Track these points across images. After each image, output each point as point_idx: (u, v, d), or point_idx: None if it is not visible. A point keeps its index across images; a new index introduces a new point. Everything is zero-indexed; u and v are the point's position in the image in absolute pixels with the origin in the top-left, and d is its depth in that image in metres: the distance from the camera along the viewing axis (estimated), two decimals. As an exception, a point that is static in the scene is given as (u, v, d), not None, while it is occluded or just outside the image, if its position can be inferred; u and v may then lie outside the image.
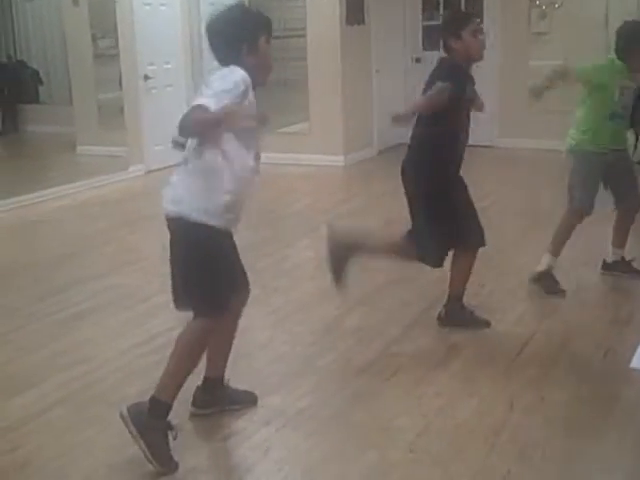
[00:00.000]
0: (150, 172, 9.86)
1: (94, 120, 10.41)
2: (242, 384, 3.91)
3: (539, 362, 4.31)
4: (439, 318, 4.82)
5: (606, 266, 5.63)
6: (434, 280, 5.07)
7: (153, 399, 3.42)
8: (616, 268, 5.59)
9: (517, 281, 5.49)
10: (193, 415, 3.78)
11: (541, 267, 5.33)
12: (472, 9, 10.77)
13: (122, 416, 3.37)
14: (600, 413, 3.74)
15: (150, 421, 3.37)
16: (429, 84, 4.41)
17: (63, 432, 3.73)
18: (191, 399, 3.78)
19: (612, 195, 5.40)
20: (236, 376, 3.88)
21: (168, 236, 3.51)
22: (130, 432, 3.35)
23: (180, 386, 3.48)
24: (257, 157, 3.50)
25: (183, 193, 3.39)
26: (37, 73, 12.31)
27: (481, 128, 10.58)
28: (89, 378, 4.25)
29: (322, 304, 5.23)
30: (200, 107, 3.08)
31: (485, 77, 10.25)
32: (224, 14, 3.42)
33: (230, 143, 3.31)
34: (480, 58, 4.48)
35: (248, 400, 3.89)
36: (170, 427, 3.41)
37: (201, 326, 3.47)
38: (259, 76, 3.37)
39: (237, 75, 3.20)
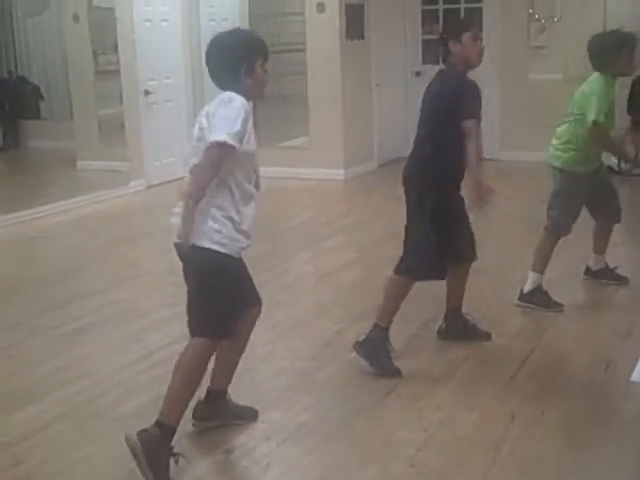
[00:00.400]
0: (151, 187, 9.88)
1: (95, 135, 10.42)
2: (242, 399, 3.91)
3: (539, 376, 4.31)
4: (439, 332, 4.82)
5: (590, 273, 5.68)
6: (433, 294, 5.05)
7: (159, 423, 3.41)
8: (600, 275, 5.64)
9: (518, 294, 5.49)
10: (193, 427, 3.78)
11: (527, 287, 5.33)
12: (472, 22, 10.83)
13: (131, 441, 3.35)
14: (600, 427, 3.75)
15: (157, 446, 3.35)
16: (432, 98, 4.45)
17: (65, 447, 3.73)
18: (192, 411, 3.76)
19: (592, 210, 5.44)
20: (237, 391, 3.89)
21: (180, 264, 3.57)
22: (136, 457, 3.34)
23: (184, 408, 3.50)
24: (257, 186, 3.57)
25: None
26: (38, 89, 12.33)
27: (483, 141, 10.67)
28: (90, 393, 4.26)
29: (322, 319, 5.24)
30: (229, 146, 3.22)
31: (485, 91, 10.27)
32: (221, 39, 3.51)
33: (234, 176, 3.38)
34: (478, 64, 4.46)
35: (249, 415, 3.90)
36: (173, 453, 3.41)
37: (202, 347, 3.49)
38: (255, 95, 3.50)
39: (238, 103, 3.30)
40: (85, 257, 6.99)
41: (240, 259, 3.53)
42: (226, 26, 10.57)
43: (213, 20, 10.67)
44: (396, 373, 4.37)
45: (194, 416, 3.79)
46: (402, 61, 11.31)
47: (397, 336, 4.84)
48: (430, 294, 5.04)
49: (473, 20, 5.22)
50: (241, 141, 3.26)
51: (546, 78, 10.35)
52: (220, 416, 3.82)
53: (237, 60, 3.41)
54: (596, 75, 5.15)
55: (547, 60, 10.51)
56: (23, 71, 12.50)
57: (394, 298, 4.54)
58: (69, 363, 4.69)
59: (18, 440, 3.80)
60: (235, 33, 3.61)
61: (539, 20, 10.56)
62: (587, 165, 5.21)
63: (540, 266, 5.31)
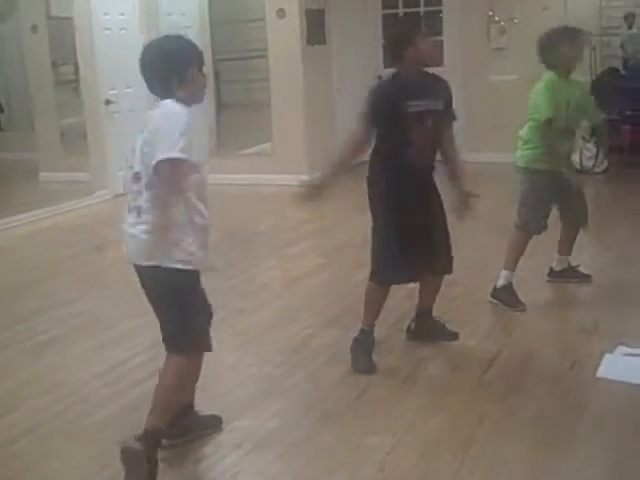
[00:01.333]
0: (116, 197, 9.80)
1: (57, 146, 10.37)
2: (210, 407, 3.88)
3: (508, 376, 4.32)
4: (408, 331, 4.82)
5: (553, 274, 5.71)
6: (402, 297, 5.06)
7: (150, 430, 3.39)
8: (564, 275, 5.67)
9: (486, 295, 5.50)
10: (165, 447, 3.64)
11: (499, 283, 5.37)
12: (432, 25, 10.87)
13: (134, 450, 3.34)
14: (569, 425, 3.76)
15: (149, 451, 3.36)
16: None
17: (30, 463, 3.68)
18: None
19: (559, 211, 5.48)
20: (204, 400, 3.86)
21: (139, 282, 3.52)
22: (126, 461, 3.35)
23: (171, 415, 3.52)
24: (207, 206, 3.49)
25: (153, 246, 3.35)
26: (-2, 100, 12.25)
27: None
28: (55, 408, 4.20)
29: (289, 324, 5.22)
30: (180, 161, 3.16)
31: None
32: (153, 47, 3.46)
33: (189, 195, 3.34)
34: (432, 63, 4.50)
35: (215, 424, 3.86)
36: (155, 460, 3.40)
37: (184, 363, 3.49)
38: (192, 102, 3.41)
39: (180, 113, 3.26)
40: (50, 269, 6.92)
41: (197, 271, 3.49)
42: (186, 34, 10.63)
43: (173, 28, 10.62)
44: (368, 370, 4.41)
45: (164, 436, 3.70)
46: (364, 65, 11.31)
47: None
48: (400, 296, 5.03)
49: (419, 20, 5.19)
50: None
51: (506, 79, 10.40)
52: (190, 430, 3.77)
53: (167, 71, 3.35)
54: (545, 74, 5.23)
55: (507, 61, 10.56)
56: (-18, 83, 12.41)
57: (370, 303, 4.57)
58: (35, 377, 4.64)
59: (-17, 457, 3.76)
60: (163, 43, 3.51)
61: (499, 22, 10.62)
62: (549, 163, 5.23)
63: (511, 264, 5.35)
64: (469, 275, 5.79)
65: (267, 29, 9.96)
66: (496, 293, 5.37)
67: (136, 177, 3.36)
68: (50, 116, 10.29)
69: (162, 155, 3.16)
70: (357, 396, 4.15)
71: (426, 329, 4.76)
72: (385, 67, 11.20)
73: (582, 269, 5.68)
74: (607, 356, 4.40)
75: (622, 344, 4.53)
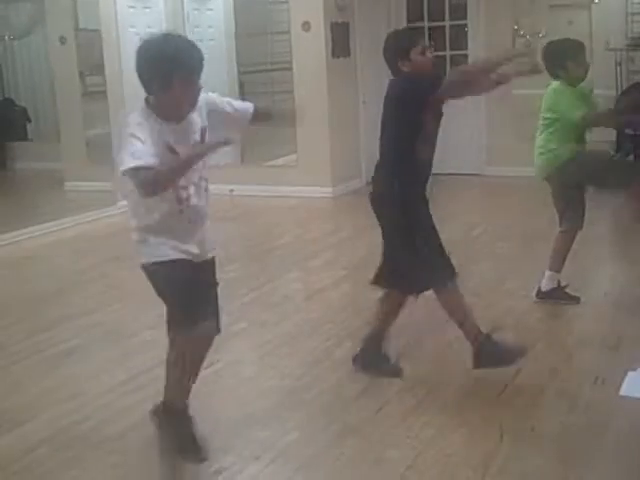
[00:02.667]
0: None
1: (82, 156, 10.43)
2: (230, 418, 3.88)
3: (528, 391, 4.29)
4: (353, 359, 4.67)
5: (541, 294, 5.60)
6: (421, 310, 5.04)
7: (165, 401, 3.70)
8: (552, 295, 5.56)
9: (505, 309, 5.48)
10: None
11: (546, 286, 5.48)
12: (456, 40, 10.88)
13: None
14: (591, 442, 3.72)
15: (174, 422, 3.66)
16: (387, 108, 4.45)
17: (49, 471, 3.69)
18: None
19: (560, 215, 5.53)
20: (225, 410, 3.86)
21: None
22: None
23: (184, 392, 3.67)
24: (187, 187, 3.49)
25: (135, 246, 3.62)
26: (25, 111, 12.35)
27: (469, 156, 10.70)
28: (74, 417, 4.21)
29: (310, 337, 5.21)
30: (144, 169, 3.18)
31: (471, 106, 10.32)
32: (145, 45, 3.36)
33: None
34: (431, 72, 4.39)
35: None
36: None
37: (179, 342, 3.62)
38: (174, 113, 3.39)
39: (129, 118, 3.34)
40: (73, 278, 6.95)
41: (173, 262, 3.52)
42: (212, 46, 10.72)
43: (200, 41, 10.62)
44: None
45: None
46: (388, 77, 11.30)
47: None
48: (418, 308, 5.02)
49: (414, 29, 5.14)
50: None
51: (530, 93, 10.35)
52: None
53: (150, 75, 3.30)
54: (553, 83, 5.37)
55: (533, 76, 10.51)
56: (10, 93, 12.54)
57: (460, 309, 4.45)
58: (55, 386, 4.66)
59: (4, 464, 3.76)
60: (154, 43, 3.38)
61: (524, 36, 10.60)
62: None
63: (557, 266, 5.46)
64: (488, 288, 5.77)
65: (292, 42, 9.99)
66: (546, 295, 5.47)
67: None
68: (76, 127, 10.36)
69: (121, 167, 3.23)
70: (377, 410, 4.13)
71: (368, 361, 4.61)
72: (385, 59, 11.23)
73: (569, 290, 5.59)
74: (630, 374, 4.35)
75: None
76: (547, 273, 5.48)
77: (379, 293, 5.66)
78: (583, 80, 5.39)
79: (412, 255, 4.33)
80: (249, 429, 3.94)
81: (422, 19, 11.11)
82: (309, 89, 9.92)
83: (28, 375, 4.85)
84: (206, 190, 3.59)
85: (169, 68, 3.27)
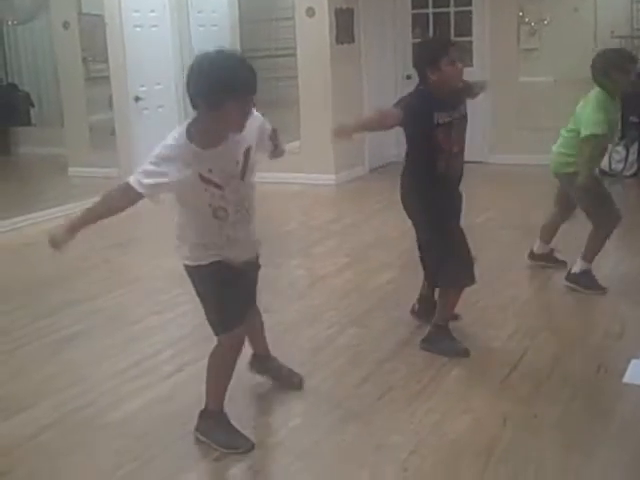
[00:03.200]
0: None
1: (86, 142, 10.42)
2: (234, 403, 3.87)
3: (532, 378, 4.29)
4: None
5: (533, 256, 6.02)
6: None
7: (205, 410, 3.74)
8: (543, 258, 5.99)
9: (510, 297, 5.49)
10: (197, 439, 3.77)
11: (577, 269, 5.54)
12: (460, 27, 10.84)
13: (201, 441, 3.71)
14: (594, 429, 3.72)
15: (213, 425, 3.71)
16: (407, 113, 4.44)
17: (53, 457, 3.71)
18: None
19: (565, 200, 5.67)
20: (227, 396, 3.86)
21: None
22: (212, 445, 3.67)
23: (221, 395, 3.74)
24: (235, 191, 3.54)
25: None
26: (28, 96, 12.32)
27: (473, 144, 10.66)
28: (79, 402, 4.22)
29: (313, 324, 5.21)
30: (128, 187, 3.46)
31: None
32: (198, 64, 3.30)
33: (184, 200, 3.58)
34: (458, 85, 4.44)
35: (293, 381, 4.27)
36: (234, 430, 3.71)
37: (222, 344, 3.67)
38: (213, 137, 3.37)
39: (166, 141, 3.40)
40: (76, 264, 6.94)
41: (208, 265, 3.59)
42: (216, 32, 10.68)
43: (203, 26, 10.67)
44: (463, 352, 4.58)
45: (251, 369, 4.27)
46: (392, 64, 11.30)
47: (388, 341, 4.84)
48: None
49: (447, 39, 5.19)
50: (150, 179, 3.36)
51: (537, 81, 10.36)
52: (269, 371, 4.27)
53: (199, 93, 3.26)
54: (595, 90, 5.29)
55: (538, 63, 10.52)
56: (14, 78, 12.51)
57: (451, 306, 4.75)
58: (59, 371, 4.67)
59: (7, 450, 3.78)
60: (207, 61, 3.29)
61: (529, 23, 10.57)
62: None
63: (590, 257, 5.50)
64: (493, 277, 5.76)
65: (296, 27, 9.96)
66: (575, 278, 5.53)
67: None
68: (80, 112, 10.35)
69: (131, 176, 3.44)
70: (380, 396, 4.14)
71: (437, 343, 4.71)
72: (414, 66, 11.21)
73: (558, 255, 5.90)
74: (634, 361, 4.35)
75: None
76: (580, 262, 5.54)
77: (382, 280, 5.70)
78: (622, 91, 5.41)
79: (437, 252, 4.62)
80: (251, 415, 3.95)
81: (427, 5, 11.07)
82: (313, 75, 9.90)
83: (31, 360, 4.86)
84: (249, 210, 3.67)
85: (221, 89, 3.20)
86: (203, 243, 3.56)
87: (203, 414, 3.76)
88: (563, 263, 5.85)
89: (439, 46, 4.50)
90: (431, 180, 4.47)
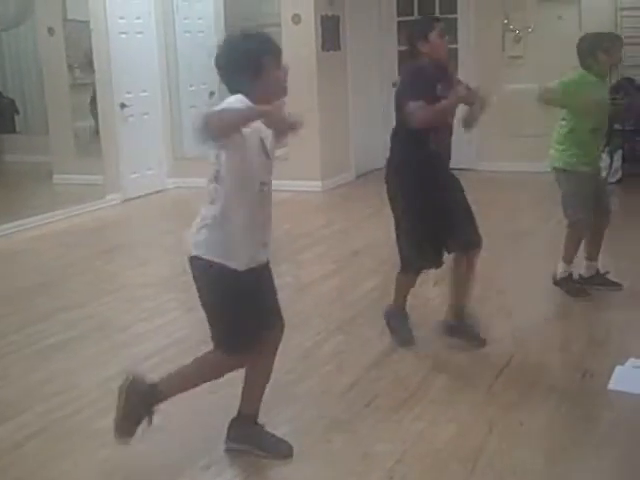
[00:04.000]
0: (128, 200, 9.84)
1: (71, 149, 10.38)
2: (220, 412, 3.87)
3: (518, 385, 4.31)
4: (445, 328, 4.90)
5: (583, 280, 5.71)
6: (413, 305, 5.06)
7: (153, 384, 3.52)
8: (594, 281, 5.70)
9: (496, 304, 5.51)
10: (227, 450, 3.71)
11: (559, 275, 5.58)
12: (447, 33, 10.87)
13: (126, 381, 3.53)
14: (579, 436, 3.75)
15: (140, 396, 3.49)
16: (398, 95, 4.65)
17: (40, 465, 3.70)
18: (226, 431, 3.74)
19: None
20: (214, 404, 3.87)
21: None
22: (120, 395, 3.52)
23: (180, 392, 3.56)
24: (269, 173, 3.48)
25: (201, 233, 3.38)
26: (13, 102, 12.27)
27: (460, 152, 10.67)
28: (66, 409, 4.22)
29: (300, 330, 5.20)
30: (220, 110, 3.16)
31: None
32: (228, 43, 3.44)
33: (243, 164, 3.30)
34: (445, 58, 4.69)
35: (280, 449, 3.71)
36: (150, 413, 3.50)
37: (219, 360, 3.50)
38: (272, 98, 3.34)
39: (233, 100, 3.23)
40: (62, 271, 6.94)
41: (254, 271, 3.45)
42: (202, 38, 10.69)
43: (189, 32, 10.68)
44: (408, 341, 4.80)
45: (228, 437, 3.72)
46: (378, 72, 11.33)
47: (375, 347, 4.85)
48: (410, 304, 5.03)
49: (434, 16, 5.51)
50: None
51: (522, 88, 10.38)
52: (250, 441, 3.70)
53: (240, 70, 3.31)
54: (579, 71, 5.42)
55: (523, 70, 10.54)
56: (-2, 85, 12.44)
57: (399, 291, 4.92)
58: (45, 379, 4.65)
59: (-7, 458, 3.77)
60: (237, 42, 3.44)
61: (514, 30, 10.60)
62: (587, 165, 5.42)
63: (569, 258, 5.54)
64: (480, 282, 5.77)
65: (282, 34, 9.95)
66: (559, 283, 5.59)
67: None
68: (64, 119, 10.31)
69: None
70: (367, 403, 4.14)
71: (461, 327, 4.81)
72: (399, 74, 11.25)
73: (611, 276, 5.69)
74: (618, 368, 4.38)
75: (633, 356, 4.51)
76: (561, 264, 5.58)
77: (368, 287, 5.70)
78: (609, 71, 5.54)
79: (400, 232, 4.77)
80: (239, 423, 3.94)
81: (412, 12, 11.11)
82: (299, 82, 9.85)
83: (19, 368, 4.85)
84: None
85: (259, 53, 3.33)
86: (244, 230, 3.35)
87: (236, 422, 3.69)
88: (617, 285, 5.68)
89: (429, 20, 4.96)
90: (423, 156, 4.58)
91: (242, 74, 3.30)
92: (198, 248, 3.36)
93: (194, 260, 3.38)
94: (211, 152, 3.30)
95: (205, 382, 3.61)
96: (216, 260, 3.33)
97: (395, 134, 4.75)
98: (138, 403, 3.48)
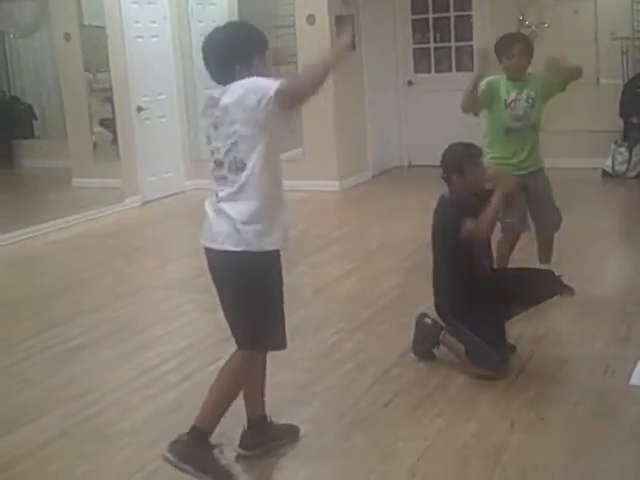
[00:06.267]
0: (147, 203, 9.88)
1: (89, 153, 10.45)
2: (239, 411, 3.87)
3: (539, 382, 4.29)
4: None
5: None
6: (432, 304, 5.04)
7: (194, 429, 3.38)
8: None
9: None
10: (240, 456, 3.67)
11: None
12: (461, 31, 10.87)
13: (169, 460, 3.35)
14: (601, 432, 3.73)
15: (194, 450, 3.35)
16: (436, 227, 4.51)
17: (62, 468, 3.71)
18: (238, 441, 3.70)
19: (530, 214, 5.48)
20: (233, 405, 3.85)
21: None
22: (182, 470, 3.34)
23: (221, 416, 3.44)
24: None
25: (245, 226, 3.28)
26: (31, 108, 12.34)
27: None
28: (86, 412, 4.24)
29: (319, 330, 5.22)
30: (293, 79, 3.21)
31: (454, 99, 10.29)
32: (215, 34, 3.43)
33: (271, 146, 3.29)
34: (480, 190, 4.43)
35: (292, 434, 3.78)
36: (212, 446, 3.41)
37: (248, 357, 3.45)
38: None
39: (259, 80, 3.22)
40: (81, 275, 6.97)
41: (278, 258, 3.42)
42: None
43: (204, 35, 10.63)
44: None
45: (240, 446, 3.69)
46: (394, 71, 11.33)
47: (394, 346, 4.84)
48: (429, 304, 5.01)
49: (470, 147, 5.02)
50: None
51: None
52: (266, 441, 3.70)
53: (231, 61, 3.30)
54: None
55: (539, 66, 10.49)
56: (16, 91, 12.52)
57: None
58: (66, 382, 4.68)
59: (16, 461, 3.78)
60: (229, 27, 3.50)
61: (530, 26, 10.55)
62: (507, 166, 5.25)
63: (501, 262, 5.33)
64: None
65: (297, 35, 9.98)
66: None
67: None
68: (83, 123, 10.37)
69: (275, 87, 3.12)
70: (387, 402, 4.14)
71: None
72: (415, 72, 11.23)
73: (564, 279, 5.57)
74: (640, 363, 4.36)
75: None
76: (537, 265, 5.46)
77: (387, 286, 5.69)
78: (518, 73, 5.37)
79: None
80: (259, 423, 3.94)
81: (427, 10, 11.10)
82: (315, 83, 9.90)
83: (39, 371, 4.87)
84: None
85: (247, 50, 3.35)
86: (281, 211, 3.35)
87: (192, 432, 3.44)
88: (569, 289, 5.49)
89: (466, 152, 4.49)
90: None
91: (231, 70, 3.30)
92: (243, 243, 3.26)
93: (235, 255, 3.27)
94: (227, 141, 3.26)
95: (237, 391, 3.52)
96: (259, 250, 3.28)
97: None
98: (199, 454, 3.38)
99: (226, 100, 3.26)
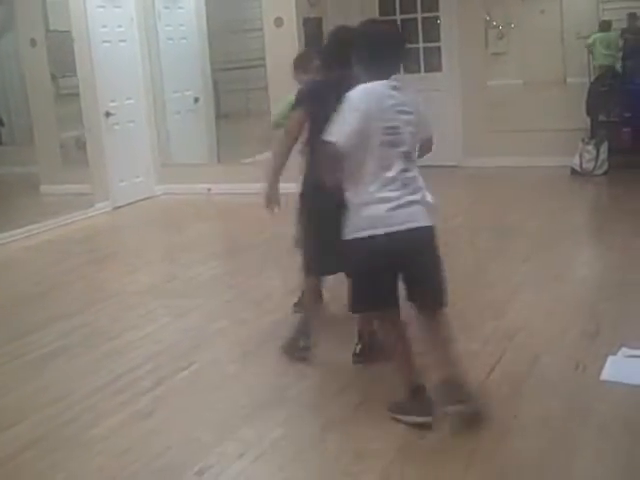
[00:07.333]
0: (117, 208, 9.83)
1: (57, 159, 10.37)
2: (214, 416, 3.88)
3: (511, 379, 4.31)
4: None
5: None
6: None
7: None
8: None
9: (487, 299, 5.51)
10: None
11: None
12: (428, 32, 10.92)
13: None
14: (574, 428, 3.75)
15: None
16: None
17: (35, 475, 3.69)
18: None
19: None
20: (207, 408, 3.86)
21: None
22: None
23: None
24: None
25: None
26: (-2, 114, 12.25)
27: (446, 149, 10.73)
28: (60, 419, 4.21)
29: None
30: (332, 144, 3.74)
31: (447, 99, 10.37)
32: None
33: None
34: None
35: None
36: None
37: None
38: None
39: (350, 100, 3.78)
40: (52, 282, 6.92)
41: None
42: (185, 45, 10.69)
43: (171, 39, 10.68)
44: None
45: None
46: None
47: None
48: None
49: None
50: None
51: (506, 83, 10.43)
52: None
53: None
54: None
55: (506, 66, 10.60)
56: (-19, 98, 12.41)
57: None
58: (39, 389, 4.65)
59: (-11, 470, 3.76)
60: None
61: (497, 27, 10.65)
62: None
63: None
64: (469, 279, 5.79)
65: (265, 38, 9.97)
66: None
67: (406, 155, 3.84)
68: (50, 129, 10.30)
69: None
70: (359, 404, 4.14)
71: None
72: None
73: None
74: (610, 358, 4.39)
75: (624, 346, 4.52)
76: None
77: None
78: None
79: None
80: (233, 427, 3.94)
81: (394, 12, 11.12)
82: (283, 85, 9.87)
83: (12, 378, 4.84)
84: None
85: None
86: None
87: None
88: None
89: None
90: None
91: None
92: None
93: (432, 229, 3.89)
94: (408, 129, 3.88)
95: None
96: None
97: None
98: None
99: None
